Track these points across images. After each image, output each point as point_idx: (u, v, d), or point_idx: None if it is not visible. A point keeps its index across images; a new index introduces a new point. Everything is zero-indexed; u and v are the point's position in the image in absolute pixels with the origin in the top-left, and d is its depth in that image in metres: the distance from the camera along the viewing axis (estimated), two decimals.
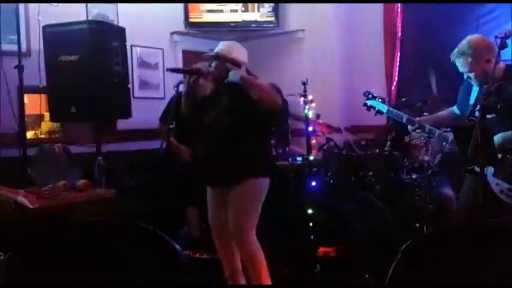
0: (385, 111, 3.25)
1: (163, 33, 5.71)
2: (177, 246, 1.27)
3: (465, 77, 2.99)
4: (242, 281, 3.29)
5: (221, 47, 3.18)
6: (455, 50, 2.97)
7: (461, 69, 2.97)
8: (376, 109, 3.27)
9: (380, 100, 3.28)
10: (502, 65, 2.65)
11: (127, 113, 4.24)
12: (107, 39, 3.98)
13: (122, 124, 4.91)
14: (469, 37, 2.98)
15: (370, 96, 3.32)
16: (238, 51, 3.18)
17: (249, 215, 3.10)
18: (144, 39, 5.39)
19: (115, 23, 4.92)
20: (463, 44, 2.95)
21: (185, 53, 5.91)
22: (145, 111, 5.00)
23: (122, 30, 4.22)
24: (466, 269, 1.31)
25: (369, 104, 3.31)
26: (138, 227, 1.34)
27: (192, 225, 4.42)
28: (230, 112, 3.09)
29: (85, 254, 1.42)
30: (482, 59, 2.88)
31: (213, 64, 3.12)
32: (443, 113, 3.34)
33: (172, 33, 5.77)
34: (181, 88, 3.17)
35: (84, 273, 1.40)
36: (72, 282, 1.41)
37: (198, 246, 4.17)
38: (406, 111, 4.01)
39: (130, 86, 4.42)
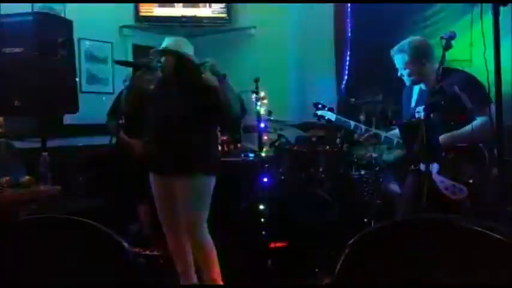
0: (333, 119, 3.37)
1: (113, 27, 5.59)
2: (125, 243, 1.24)
3: (399, 73, 3.09)
4: (194, 277, 3.28)
5: (169, 42, 3.21)
6: (396, 47, 3.07)
7: (397, 65, 3.07)
8: (326, 118, 3.40)
9: (328, 109, 3.40)
10: (439, 66, 2.75)
11: (74, 108, 4.13)
12: (53, 32, 3.86)
13: (68, 119, 4.78)
14: (411, 37, 3.09)
15: (319, 106, 3.45)
16: (186, 46, 3.22)
17: (199, 208, 3.11)
18: (93, 33, 5.26)
19: (62, 15, 4.77)
20: (404, 42, 3.06)
21: (135, 47, 5.81)
22: (94, 105, 4.88)
23: (69, 23, 4.11)
24: (411, 263, 1.35)
25: (319, 114, 3.43)
26: (83, 223, 1.30)
27: (144, 222, 4.36)
28: (178, 107, 3.11)
29: (28, 252, 1.37)
30: (418, 61, 2.99)
31: (162, 59, 3.14)
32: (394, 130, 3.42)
33: (122, 27, 5.66)
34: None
35: (27, 271, 1.36)
36: (15, 281, 1.36)
37: (149, 243, 4.12)
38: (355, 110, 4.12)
39: (77, 79, 4.30)
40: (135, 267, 1.27)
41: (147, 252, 4.02)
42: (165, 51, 3.15)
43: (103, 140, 4.63)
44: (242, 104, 3.21)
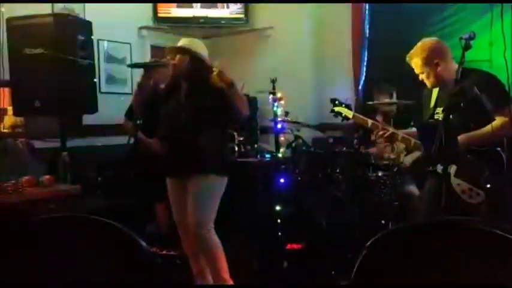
0: (351, 116, 3.33)
1: (131, 28, 5.64)
2: (143, 243, 1.25)
3: (420, 78, 3.06)
4: (209, 277, 3.29)
5: (184, 41, 3.25)
6: (409, 53, 3.04)
7: (415, 70, 3.05)
8: (343, 115, 3.35)
9: (346, 106, 3.35)
10: (458, 67, 2.71)
11: (93, 108, 4.18)
12: (72, 33, 3.90)
13: (88, 119, 4.83)
14: (422, 40, 3.06)
15: (336, 102, 3.40)
16: (201, 47, 3.26)
17: (207, 208, 3.13)
18: (112, 33, 5.31)
19: (81, 16, 4.83)
20: (416, 46, 3.03)
21: (153, 48, 5.85)
22: (112, 106, 4.92)
23: (88, 24, 4.15)
24: (429, 265, 1.34)
25: (336, 110, 3.39)
26: (101, 223, 1.32)
27: (161, 222, 4.38)
28: (188, 107, 3.15)
29: (47, 251, 1.39)
30: (432, 62, 2.96)
31: (177, 57, 3.18)
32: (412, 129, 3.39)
33: (140, 28, 5.70)
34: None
35: (46, 270, 1.37)
36: (34, 279, 1.38)
37: (166, 243, 4.14)
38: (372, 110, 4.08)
39: (96, 80, 4.34)
40: (153, 267, 1.27)
41: (164, 252, 4.04)
42: (180, 50, 3.19)
43: (122, 140, 4.68)
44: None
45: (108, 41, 5.34)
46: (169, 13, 5.79)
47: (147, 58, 5.70)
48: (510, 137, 2.64)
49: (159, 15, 5.75)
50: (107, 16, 5.05)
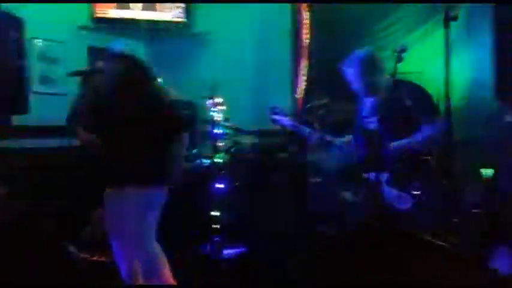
0: (289, 125, 3.41)
1: (68, 27, 5.45)
2: (72, 248, 1.21)
3: (353, 87, 3.16)
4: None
5: (122, 45, 3.19)
6: (345, 62, 3.14)
7: (348, 79, 3.15)
8: (282, 123, 3.43)
9: (284, 114, 3.44)
10: (390, 78, 2.82)
11: (23, 109, 4.01)
12: (3, 30, 3.73)
13: (18, 120, 4.62)
14: (357, 51, 3.17)
15: (276, 110, 3.48)
16: (138, 50, 3.20)
17: (145, 219, 3.04)
18: (47, 32, 5.12)
19: (14, 13, 4.62)
20: (352, 56, 3.13)
21: (91, 48, 5.68)
22: (46, 107, 4.74)
23: (20, 21, 3.99)
24: (362, 268, 1.38)
25: (275, 118, 3.46)
26: (29, 226, 1.26)
27: (95, 227, 4.25)
28: (122, 114, 3.07)
29: None
30: (367, 72, 3.07)
31: (114, 62, 3.12)
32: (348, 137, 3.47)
33: (77, 28, 5.53)
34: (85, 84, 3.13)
35: None
36: None
37: (99, 249, 4.02)
38: (309, 117, 4.17)
39: (28, 80, 4.17)
40: (80, 272, 1.24)
41: (94, 259, 3.92)
42: (116, 54, 3.12)
43: (55, 142, 4.52)
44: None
45: (43, 39, 5.14)
46: (106, 14, 5.63)
47: (83, 59, 5.55)
48: (438, 145, 2.76)
49: (97, 15, 5.59)
50: (42, 14, 4.87)
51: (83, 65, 5.45)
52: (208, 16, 5.96)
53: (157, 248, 3.11)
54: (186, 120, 3.22)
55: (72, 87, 3.99)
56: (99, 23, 5.61)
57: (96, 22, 5.58)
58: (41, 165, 4.63)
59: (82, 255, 3.70)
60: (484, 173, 4.34)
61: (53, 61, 5.30)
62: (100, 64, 3.16)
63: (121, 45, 3.18)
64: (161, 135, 3.06)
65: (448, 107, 2.20)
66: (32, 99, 4.27)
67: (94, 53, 5.54)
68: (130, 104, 3.06)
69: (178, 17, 5.86)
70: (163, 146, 3.06)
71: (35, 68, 5.08)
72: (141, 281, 3.20)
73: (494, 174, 4.34)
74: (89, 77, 3.21)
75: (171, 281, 3.12)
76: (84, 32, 5.57)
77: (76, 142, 3.47)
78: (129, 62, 3.10)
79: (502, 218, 3.90)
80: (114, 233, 3.10)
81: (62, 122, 3.46)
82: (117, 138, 3.06)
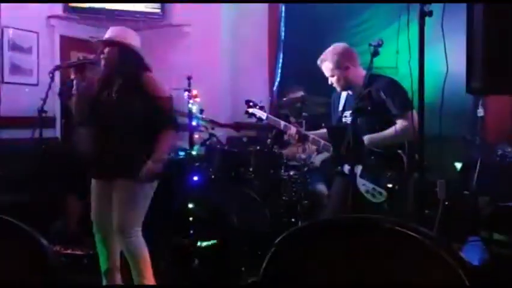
0: (264, 118, 3.41)
1: (39, 16, 5.34)
2: (44, 241, 1.19)
3: (329, 82, 3.18)
4: (118, 277, 3.19)
5: (114, 32, 3.02)
6: (321, 56, 3.16)
7: (325, 73, 3.16)
8: (257, 116, 3.43)
9: (260, 108, 3.43)
10: (363, 72, 2.86)
11: None
12: None
13: None
14: (334, 45, 3.18)
15: (251, 104, 3.47)
16: (132, 37, 3.05)
17: (131, 214, 3.00)
18: (18, 21, 5.01)
19: None
20: (327, 50, 3.15)
21: (63, 38, 5.58)
22: (17, 97, 4.65)
23: None
24: (335, 260, 1.39)
25: (250, 112, 3.46)
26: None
27: (71, 219, 4.19)
28: (119, 105, 2.96)
29: None
30: (342, 66, 3.09)
31: (106, 50, 2.97)
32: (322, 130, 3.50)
33: (49, 17, 5.42)
34: (57, 74, 3.03)
35: None
36: None
37: (74, 241, 3.97)
38: (286, 111, 4.18)
39: None
40: (55, 266, 1.22)
41: (69, 251, 3.88)
42: (107, 42, 2.97)
43: (25, 133, 4.43)
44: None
45: (14, 28, 5.03)
46: (80, 2, 5.53)
47: (56, 48, 5.45)
48: (411, 140, 2.80)
49: (70, 4, 5.49)
50: (13, 3, 4.76)
51: (55, 54, 5.38)
52: (183, 8, 5.91)
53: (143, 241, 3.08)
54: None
55: (43, 77, 3.93)
56: (73, 12, 5.51)
57: (69, 11, 5.48)
58: (12, 156, 4.55)
59: (55, 248, 3.67)
60: (456, 167, 4.43)
61: (25, 51, 5.20)
62: (93, 55, 3.00)
63: (113, 33, 3.01)
64: (156, 130, 2.98)
65: (421, 101, 2.23)
66: (4, 89, 4.18)
67: (67, 42, 5.45)
68: (128, 95, 2.95)
69: (153, 8, 5.80)
70: (157, 139, 2.99)
71: (6, 58, 4.98)
72: (117, 275, 3.18)
73: (463, 168, 4.44)
74: (81, 69, 3.00)
75: (151, 275, 3.09)
76: (56, 22, 5.47)
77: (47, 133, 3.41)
78: (124, 50, 2.97)
79: (471, 211, 4.00)
80: (106, 222, 3.05)
81: (34, 112, 3.40)
82: (116, 131, 2.96)
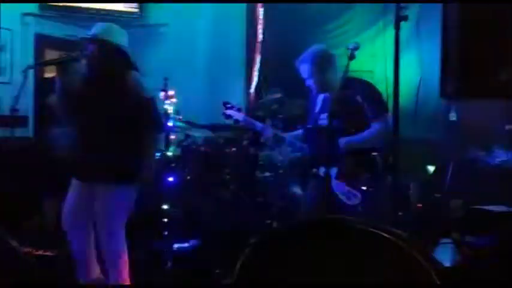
0: (241, 119, 3.40)
1: (14, 13, 5.24)
2: (14, 242, 1.17)
3: (306, 84, 3.20)
4: (97, 269, 3.13)
5: (99, 29, 2.92)
6: (300, 58, 3.17)
7: (303, 75, 3.18)
8: (234, 118, 3.42)
9: (237, 109, 3.43)
10: (342, 75, 2.88)
11: None
12: None
13: None
14: (312, 47, 3.20)
15: (228, 105, 3.47)
16: (119, 33, 2.97)
17: (114, 217, 2.95)
18: None
19: None
20: (307, 52, 3.16)
21: (38, 36, 5.48)
22: None
23: None
24: (309, 261, 1.40)
25: (227, 113, 3.45)
26: None
27: (47, 219, 4.11)
28: (100, 109, 2.89)
29: None
30: (321, 69, 3.11)
31: (90, 48, 2.88)
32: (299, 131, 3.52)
33: (24, 14, 5.33)
34: (31, 73, 2.97)
35: None
36: None
37: (46, 242, 3.90)
38: (263, 112, 4.20)
39: None
40: (25, 268, 1.20)
41: (40, 253, 3.81)
42: (92, 40, 2.87)
43: None
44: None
45: None
46: (55, 1, 5.44)
47: (30, 46, 5.35)
48: (385, 142, 2.84)
49: (45, 2, 5.40)
50: None
51: (29, 52, 5.29)
52: (161, 8, 5.88)
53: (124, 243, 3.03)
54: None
55: (17, 75, 3.86)
56: (48, 10, 5.42)
57: (44, 9, 5.40)
58: None
59: (25, 249, 3.60)
60: (428, 170, 4.51)
61: None
62: (76, 52, 2.87)
63: (99, 29, 2.91)
64: (141, 132, 2.91)
65: (396, 105, 2.26)
66: None
67: (42, 40, 5.36)
68: (113, 95, 2.87)
69: (131, 8, 5.75)
70: (142, 142, 2.93)
71: None
72: (94, 276, 3.13)
73: (436, 171, 4.52)
74: (64, 66, 2.87)
75: (128, 276, 3.05)
76: (31, 19, 5.38)
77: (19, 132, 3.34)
78: (110, 48, 2.88)
79: (443, 213, 4.07)
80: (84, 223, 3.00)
81: (6, 111, 3.34)
82: (99, 131, 2.88)
